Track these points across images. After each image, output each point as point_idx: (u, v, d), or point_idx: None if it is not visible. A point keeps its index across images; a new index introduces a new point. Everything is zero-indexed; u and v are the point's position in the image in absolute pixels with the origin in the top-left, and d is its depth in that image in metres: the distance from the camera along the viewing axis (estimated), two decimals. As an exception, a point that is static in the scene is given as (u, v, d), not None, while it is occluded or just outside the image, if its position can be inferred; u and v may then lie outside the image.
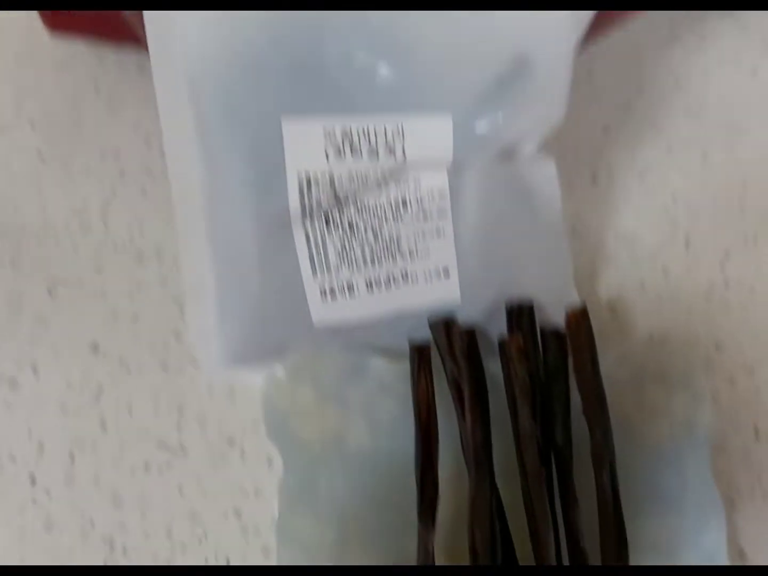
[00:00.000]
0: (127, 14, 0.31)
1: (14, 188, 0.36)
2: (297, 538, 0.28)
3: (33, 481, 0.31)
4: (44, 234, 0.35)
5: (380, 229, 0.30)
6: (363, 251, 0.30)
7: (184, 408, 0.32)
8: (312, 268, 0.30)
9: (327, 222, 0.29)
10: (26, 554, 0.30)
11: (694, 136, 0.37)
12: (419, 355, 0.30)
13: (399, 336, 0.31)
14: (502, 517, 0.29)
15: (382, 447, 0.30)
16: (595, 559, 0.28)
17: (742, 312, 0.34)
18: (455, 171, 0.29)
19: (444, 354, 0.30)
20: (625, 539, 0.28)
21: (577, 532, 0.28)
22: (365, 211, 0.29)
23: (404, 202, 0.29)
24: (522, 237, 0.31)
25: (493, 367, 0.30)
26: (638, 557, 0.29)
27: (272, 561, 0.30)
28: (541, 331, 0.31)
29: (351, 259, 0.30)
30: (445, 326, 0.31)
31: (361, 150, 0.28)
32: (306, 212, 0.29)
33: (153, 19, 0.28)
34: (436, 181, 0.29)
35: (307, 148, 0.28)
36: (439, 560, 0.29)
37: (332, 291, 0.30)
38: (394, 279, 0.30)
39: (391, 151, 0.28)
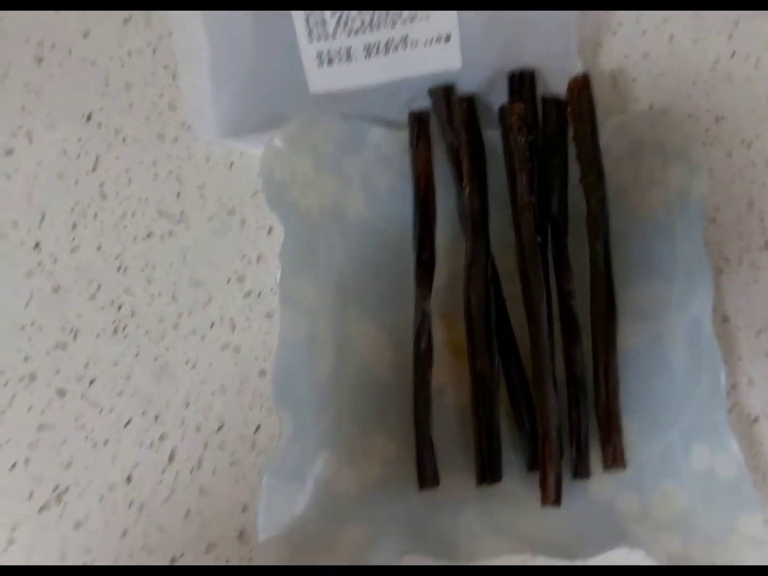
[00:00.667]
0: None
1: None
2: (298, 301, 0.29)
3: (38, 248, 0.32)
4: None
5: (379, -11, 0.28)
6: (361, 14, 0.29)
7: (183, 178, 0.32)
8: (308, 31, 0.29)
9: (324, -19, 0.28)
10: (36, 317, 0.31)
11: None
12: (418, 123, 0.30)
13: (398, 106, 0.31)
14: (497, 282, 0.30)
15: (380, 216, 0.31)
16: (584, 322, 0.29)
17: (746, 84, 0.33)
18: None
19: (443, 123, 0.30)
20: (615, 304, 0.29)
21: (568, 294, 0.29)
22: (364, -31, 0.28)
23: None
24: None
25: (492, 137, 0.30)
26: (626, 323, 0.30)
27: (275, 324, 0.31)
28: (542, 99, 0.30)
29: (348, 22, 0.29)
30: (444, 94, 0.30)
31: None
32: (302, -31, 0.27)
33: None
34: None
35: None
36: (436, 324, 0.30)
37: (329, 56, 0.29)
38: (393, 44, 0.29)
39: None
